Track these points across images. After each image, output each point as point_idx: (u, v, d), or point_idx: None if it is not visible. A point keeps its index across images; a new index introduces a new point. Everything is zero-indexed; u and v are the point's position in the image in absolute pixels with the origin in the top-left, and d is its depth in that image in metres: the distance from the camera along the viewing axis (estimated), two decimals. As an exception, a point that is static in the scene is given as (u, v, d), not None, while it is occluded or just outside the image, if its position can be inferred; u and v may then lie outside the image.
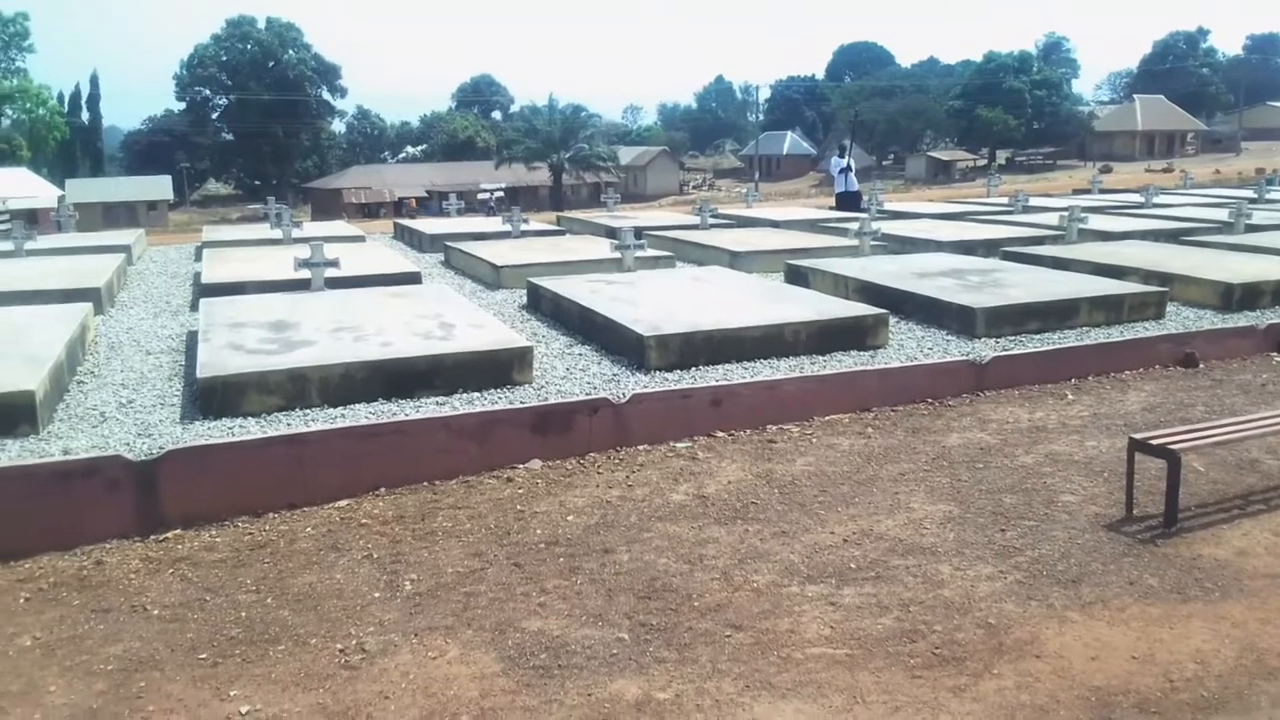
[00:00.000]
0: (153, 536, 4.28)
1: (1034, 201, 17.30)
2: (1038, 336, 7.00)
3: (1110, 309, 7.46)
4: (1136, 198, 18.12)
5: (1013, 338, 6.93)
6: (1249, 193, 19.41)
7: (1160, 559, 3.94)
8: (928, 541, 4.14)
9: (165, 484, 4.38)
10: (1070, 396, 6.25)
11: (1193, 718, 2.91)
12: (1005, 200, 17.80)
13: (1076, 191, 24.35)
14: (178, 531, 4.33)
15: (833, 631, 3.41)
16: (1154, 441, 4.30)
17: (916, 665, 3.19)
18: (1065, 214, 11.92)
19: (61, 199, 38.94)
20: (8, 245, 11.79)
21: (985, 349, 6.61)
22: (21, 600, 3.75)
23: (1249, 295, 8.00)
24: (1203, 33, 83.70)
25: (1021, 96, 64.70)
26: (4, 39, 66.45)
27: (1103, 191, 21.90)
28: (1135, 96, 74.75)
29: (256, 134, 69.40)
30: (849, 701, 2.99)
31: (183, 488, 4.41)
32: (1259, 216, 13.52)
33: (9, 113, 66.09)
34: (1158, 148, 68.52)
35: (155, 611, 3.63)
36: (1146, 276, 8.53)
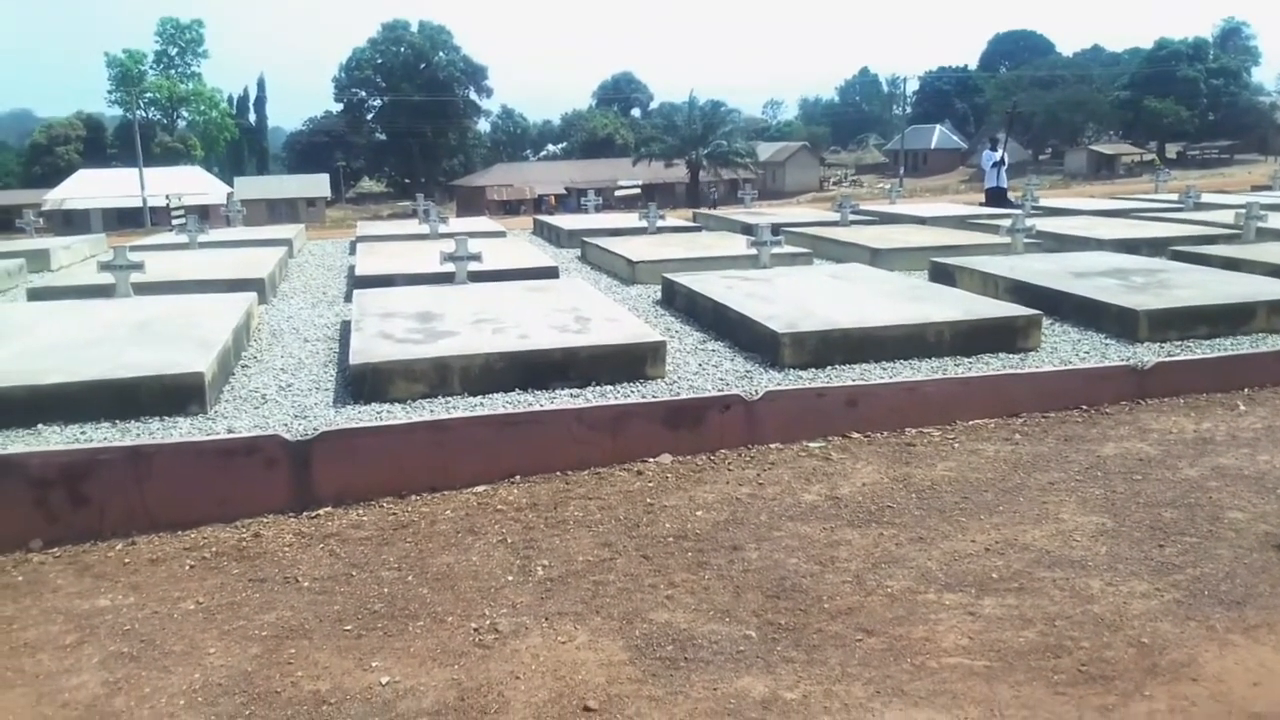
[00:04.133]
0: (305, 513, 4.53)
1: (1207, 198, 16.10)
2: (1207, 342, 6.53)
3: (1291, 313, 6.89)
4: (1324, 194, 16.67)
5: (1179, 342, 6.49)
6: None
7: (1342, 585, 3.61)
8: (1077, 554, 3.92)
9: (318, 463, 4.62)
10: (1242, 407, 5.80)
11: (1377, 760, 2.66)
12: (1174, 197, 16.66)
13: (1255, 188, 22.58)
14: (328, 509, 4.56)
15: (971, 642, 3.27)
16: (1338, 457, 3.95)
17: (1060, 682, 3.02)
18: (1242, 211, 11.06)
19: (230, 195, 41.65)
20: (182, 238, 12.73)
21: (1148, 354, 6.22)
22: (187, 567, 4.03)
23: None
24: (1403, 14, 76.34)
25: (1196, 86, 60.47)
26: (181, 45, 71.70)
27: (1285, 187, 20.25)
28: (1324, 85, 68.85)
29: (407, 134, 72.44)
30: (986, 714, 2.87)
31: (334, 467, 4.64)
32: None
33: (185, 114, 71.29)
34: (1349, 140, 62.90)
35: (306, 583, 3.84)
36: (1334, 279, 7.85)
